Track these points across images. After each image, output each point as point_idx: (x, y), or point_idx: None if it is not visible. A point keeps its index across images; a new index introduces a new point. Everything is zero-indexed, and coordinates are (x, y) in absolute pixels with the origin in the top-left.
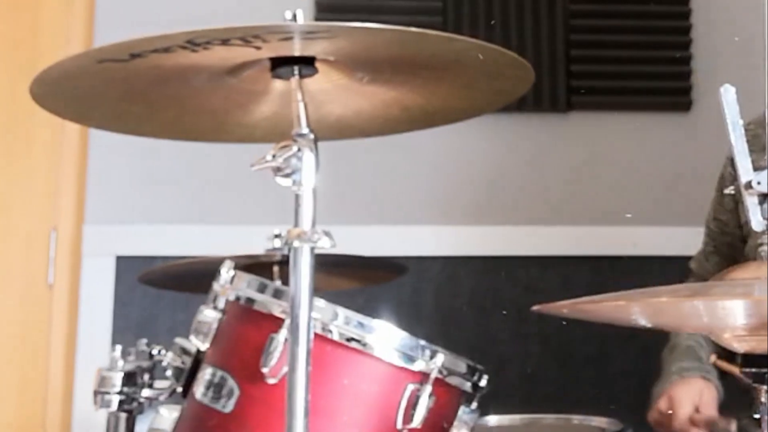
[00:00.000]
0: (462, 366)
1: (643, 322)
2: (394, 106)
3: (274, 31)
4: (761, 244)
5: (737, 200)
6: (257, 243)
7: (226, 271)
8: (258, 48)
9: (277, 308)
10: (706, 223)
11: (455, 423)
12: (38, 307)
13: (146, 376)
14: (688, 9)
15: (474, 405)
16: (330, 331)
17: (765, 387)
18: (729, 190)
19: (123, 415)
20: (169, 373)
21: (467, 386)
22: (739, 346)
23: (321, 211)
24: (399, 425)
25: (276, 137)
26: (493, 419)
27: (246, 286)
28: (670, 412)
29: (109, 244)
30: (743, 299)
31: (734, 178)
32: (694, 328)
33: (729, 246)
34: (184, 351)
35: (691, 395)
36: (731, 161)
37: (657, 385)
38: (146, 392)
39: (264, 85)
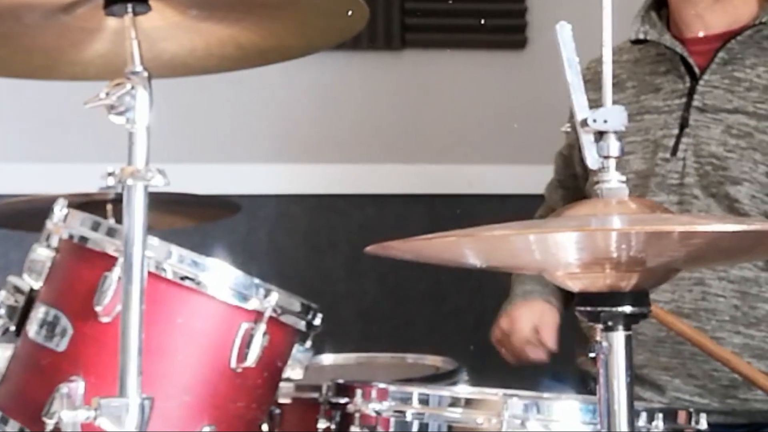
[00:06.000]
0: (296, 305)
1: (475, 260)
2: (229, 44)
3: None
4: (597, 182)
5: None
6: (91, 181)
7: (60, 209)
8: None
9: (110, 246)
10: (556, 155)
11: (289, 362)
12: None
13: None
14: None
15: (308, 344)
16: (164, 270)
17: (600, 326)
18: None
19: None
20: (2, 311)
21: (301, 325)
22: (573, 285)
23: (155, 149)
24: (233, 364)
25: (110, 75)
26: (327, 358)
27: (79, 224)
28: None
29: None
30: (575, 231)
31: (572, 115)
32: (527, 266)
33: (574, 178)
34: (17, 289)
35: (531, 316)
36: None
37: (503, 306)
38: None
39: (97, 23)
